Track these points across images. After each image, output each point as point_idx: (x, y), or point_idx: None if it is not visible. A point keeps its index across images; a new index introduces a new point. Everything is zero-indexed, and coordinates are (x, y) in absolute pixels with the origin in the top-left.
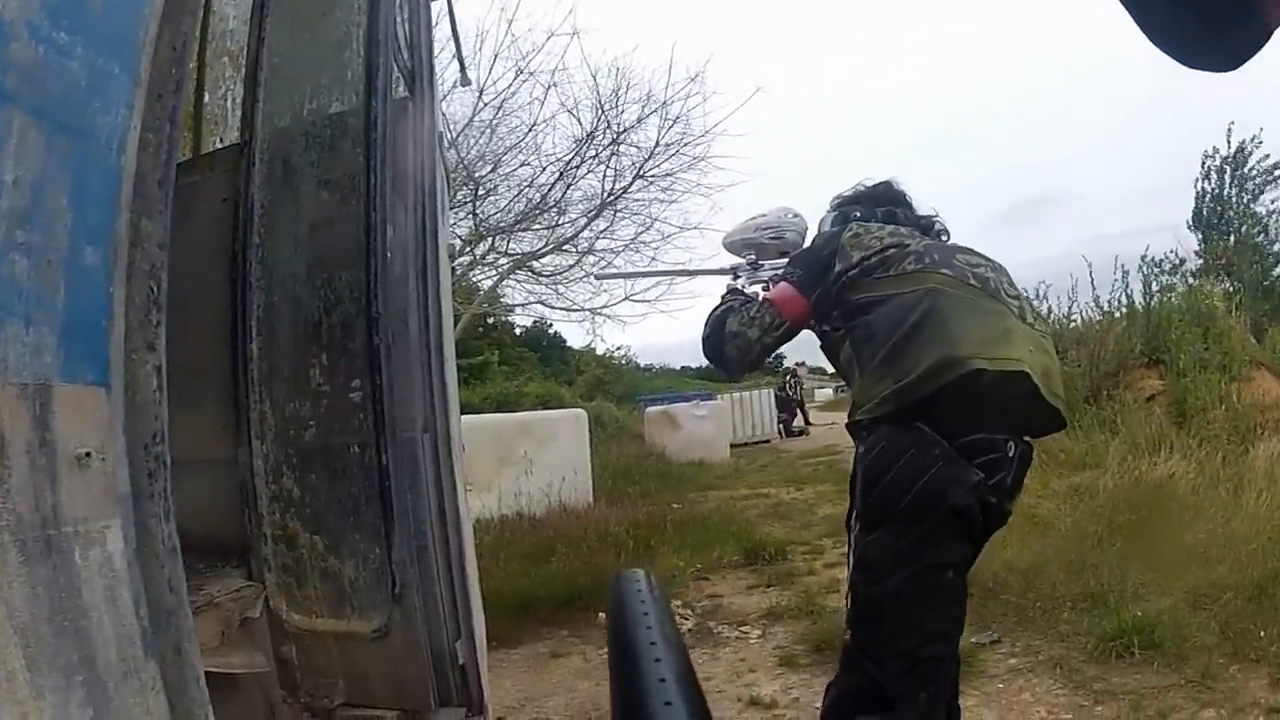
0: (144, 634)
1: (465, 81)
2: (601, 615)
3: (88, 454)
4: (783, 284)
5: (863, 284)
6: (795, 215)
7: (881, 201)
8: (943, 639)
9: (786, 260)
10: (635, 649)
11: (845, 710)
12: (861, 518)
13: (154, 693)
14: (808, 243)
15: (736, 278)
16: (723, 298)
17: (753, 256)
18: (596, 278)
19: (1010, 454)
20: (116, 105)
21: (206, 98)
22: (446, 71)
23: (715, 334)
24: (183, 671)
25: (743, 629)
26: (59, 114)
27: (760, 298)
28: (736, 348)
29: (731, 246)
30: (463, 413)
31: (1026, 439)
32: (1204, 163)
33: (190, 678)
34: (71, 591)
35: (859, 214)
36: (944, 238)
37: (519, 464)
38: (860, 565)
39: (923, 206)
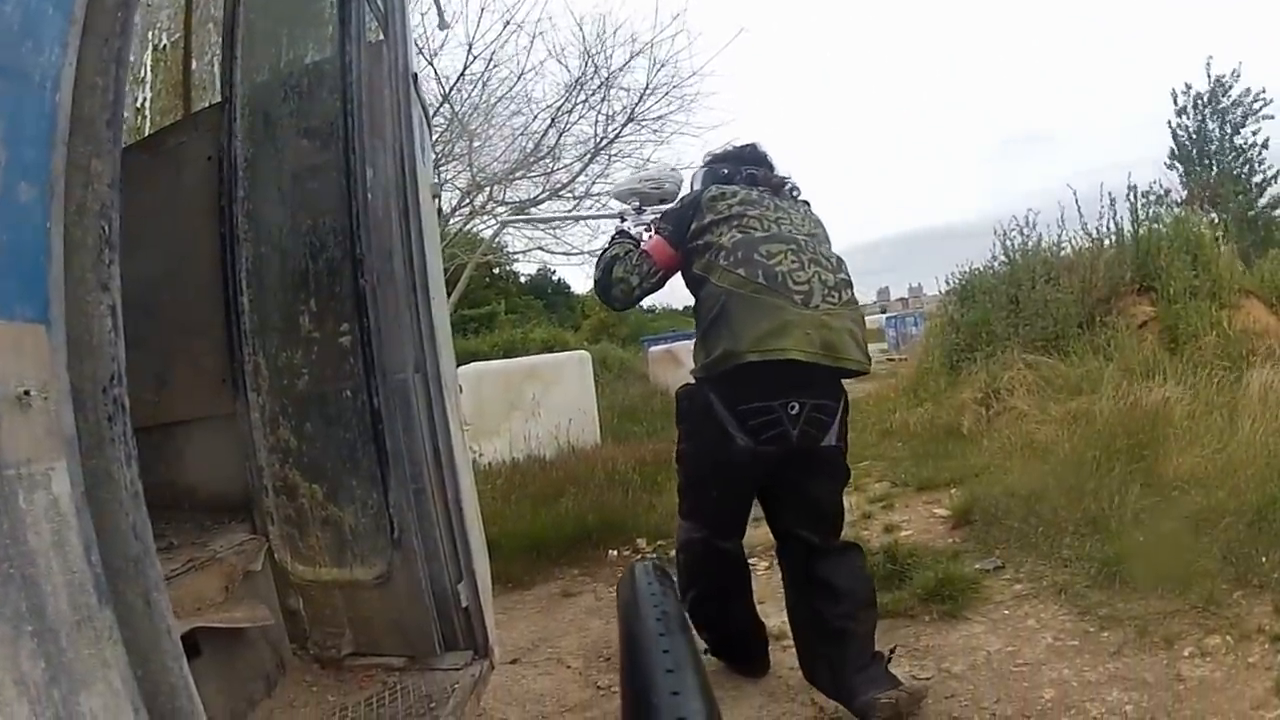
0: (97, 581)
1: (443, 25)
2: (612, 553)
3: (27, 392)
4: (656, 238)
5: (700, 259)
6: (673, 170)
7: (746, 161)
8: (708, 528)
9: (664, 206)
10: (645, 641)
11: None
12: (678, 428)
13: (110, 642)
14: (683, 194)
15: (623, 221)
16: (611, 239)
17: (637, 204)
18: (502, 223)
19: (792, 411)
20: (51, 45)
21: (194, 64)
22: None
23: (605, 278)
24: (154, 623)
25: (749, 561)
26: None
27: (640, 249)
28: (621, 290)
29: (620, 196)
30: (472, 360)
31: (815, 396)
32: (1176, 99)
33: (161, 629)
34: (16, 537)
35: (725, 170)
36: (795, 194)
37: (527, 407)
38: (677, 457)
39: (780, 169)
